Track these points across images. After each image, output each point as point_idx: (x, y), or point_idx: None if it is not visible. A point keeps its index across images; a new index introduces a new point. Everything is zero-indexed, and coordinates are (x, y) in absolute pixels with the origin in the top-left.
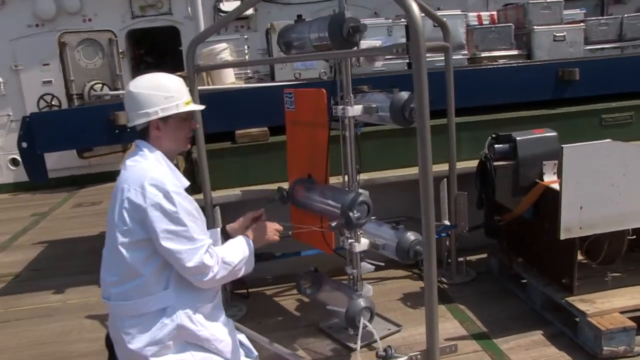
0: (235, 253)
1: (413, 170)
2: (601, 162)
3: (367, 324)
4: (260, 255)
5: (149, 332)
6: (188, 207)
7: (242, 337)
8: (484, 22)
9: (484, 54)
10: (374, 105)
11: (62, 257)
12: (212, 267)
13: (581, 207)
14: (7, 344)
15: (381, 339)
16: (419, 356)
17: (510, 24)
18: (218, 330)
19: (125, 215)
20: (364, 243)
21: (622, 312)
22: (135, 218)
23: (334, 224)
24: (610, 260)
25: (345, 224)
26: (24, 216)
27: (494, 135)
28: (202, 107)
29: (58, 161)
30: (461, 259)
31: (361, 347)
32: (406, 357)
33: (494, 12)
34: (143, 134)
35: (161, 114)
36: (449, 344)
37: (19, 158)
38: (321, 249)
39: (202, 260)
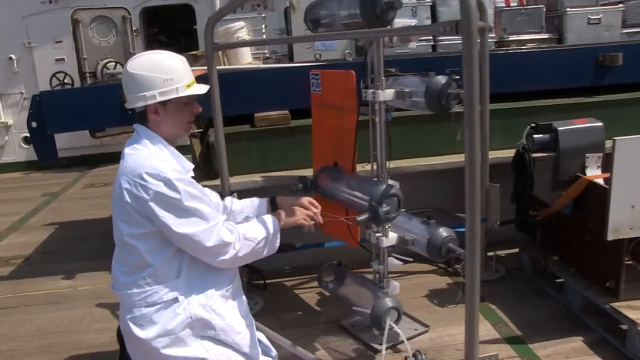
0: (257, 230)
1: (443, 159)
2: None
3: (393, 325)
4: (280, 245)
5: (160, 323)
6: (192, 191)
7: (260, 336)
8: (512, 4)
9: (512, 37)
10: (407, 90)
11: (72, 240)
12: (234, 244)
13: (633, 206)
14: (15, 332)
15: (408, 339)
16: None
17: (541, 6)
18: (235, 321)
19: (129, 208)
20: (392, 237)
21: None
22: (140, 211)
23: (360, 218)
24: None
25: (373, 219)
26: (35, 196)
27: (533, 125)
28: (204, 89)
29: (69, 140)
30: (491, 253)
31: (386, 349)
32: None
33: None
34: (142, 117)
35: (159, 98)
36: (489, 354)
37: None
38: (346, 241)
39: (221, 237)
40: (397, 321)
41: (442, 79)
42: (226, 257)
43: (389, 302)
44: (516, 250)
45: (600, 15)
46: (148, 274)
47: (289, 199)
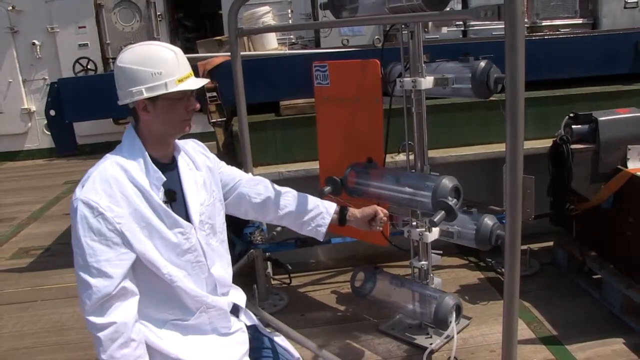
0: None
1: (474, 150)
2: None
3: (454, 324)
4: (305, 240)
5: None
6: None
7: (278, 339)
8: None
9: (544, 23)
10: (450, 76)
11: None
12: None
13: None
14: (31, 328)
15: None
16: None
17: None
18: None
19: None
20: (435, 232)
21: None
22: None
23: (436, 218)
24: None
25: (447, 215)
26: (57, 184)
27: (571, 114)
28: (198, 84)
29: (92, 127)
30: (524, 247)
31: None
32: None
33: None
34: (134, 116)
35: (146, 94)
36: None
37: None
38: (373, 241)
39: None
40: (458, 318)
41: (485, 64)
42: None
43: (451, 299)
44: (550, 243)
45: None
46: None
47: (360, 216)
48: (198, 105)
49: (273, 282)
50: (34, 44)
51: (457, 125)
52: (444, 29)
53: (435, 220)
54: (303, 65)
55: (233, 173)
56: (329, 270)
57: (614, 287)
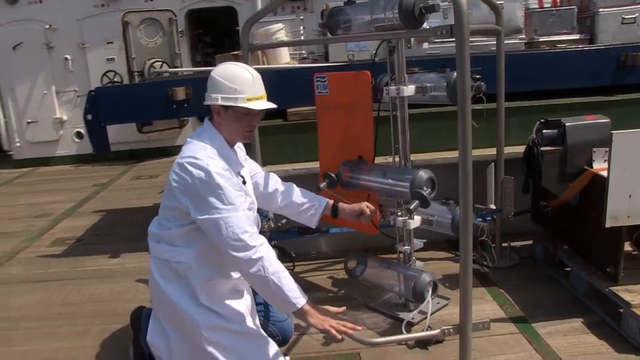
0: (282, 276)
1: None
2: None
3: (430, 299)
4: (306, 229)
5: (167, 275)
6: (231, 187)
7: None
8: (545, 5)
9: (542, 39)
10: (429, 85)
11: (120, 224)
12: (255, 249)
13: (630, 196)
14: (72, 299)
15: (435, 312)
16: (451, 330)
17: (573, 7)
18: (230, 308)
19: (172, 183)
20: (417, 220)
21: None
22: (178, 188)
23: (412, 206)
24: None
25: (421, 203)
26: (86, 186)
27: (542, 120)
28: (262, 106)
29: (118, 135)
30: (505, 244)
31: (407, 323)
32: (439, 331)
33: None
34: (210, 114)
35: (221, 102)
36: (482, 320)
37: (83, 131)
38: (365, 230)
39: (245, 238)
40: (434, 293)
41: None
42: (240, 254)
43: (427, 276)
44: (532, 241)
45: (636, 15)
46: (167, 234)
47: (349, 210)
48: (258, 123)
49: None
50: (66, 58)
51: (446, 132)
52: (425, 45)
53: (411, 208)
54: (306, 77)
55: (255, 167)
56: (329, 259)
57: (579, 275)
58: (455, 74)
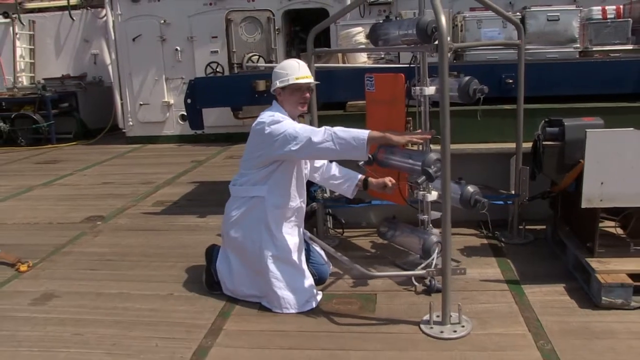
0: (343, 128)
1: (488, 146)
2: (622, 147)
3: (435, 255)
4: (353, 200)
5: (244, 209)
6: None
7: (315, 246)
8: (609, 16)
9: (595, 48)
10: None
11: (209, 192)
12: (317, 129)
13: (602, 183)
14: (165, 244)
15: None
16: (434, 272)
17: (629, 19)
18: (285, 241)
19: (253, 136)
20: (434, 194)
21: (630, 275)
22: (257, 138)
23: (420, 179)
24: (638, 233)
25: (427, 178)
26: (186, 162)
27: (547, 119)
28: (305, 81)
29: (217, 119)
30: (521, 227)
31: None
32: (425, 271)
33: (621, 6)
34: (275, 97)
35: (279, 85)
36: (460, 267)
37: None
38: (395, 202)
39: (307, 129)
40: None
41: (468, 79)
42: (312, 136)
43: (435, 237)
44: None
45: None
46: (249, 177)
47: (376, 183)
48: (308, 95)
49: (330, 231)
50: (176, 49)
51: (477, 126)
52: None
53: (419, 181)
54: (362, 75)
55: None
56: (373, 229)
57: (570, 249)
58: (465, 78)
